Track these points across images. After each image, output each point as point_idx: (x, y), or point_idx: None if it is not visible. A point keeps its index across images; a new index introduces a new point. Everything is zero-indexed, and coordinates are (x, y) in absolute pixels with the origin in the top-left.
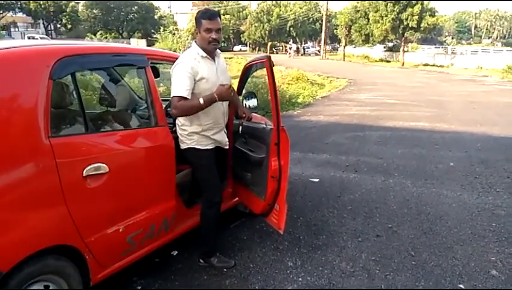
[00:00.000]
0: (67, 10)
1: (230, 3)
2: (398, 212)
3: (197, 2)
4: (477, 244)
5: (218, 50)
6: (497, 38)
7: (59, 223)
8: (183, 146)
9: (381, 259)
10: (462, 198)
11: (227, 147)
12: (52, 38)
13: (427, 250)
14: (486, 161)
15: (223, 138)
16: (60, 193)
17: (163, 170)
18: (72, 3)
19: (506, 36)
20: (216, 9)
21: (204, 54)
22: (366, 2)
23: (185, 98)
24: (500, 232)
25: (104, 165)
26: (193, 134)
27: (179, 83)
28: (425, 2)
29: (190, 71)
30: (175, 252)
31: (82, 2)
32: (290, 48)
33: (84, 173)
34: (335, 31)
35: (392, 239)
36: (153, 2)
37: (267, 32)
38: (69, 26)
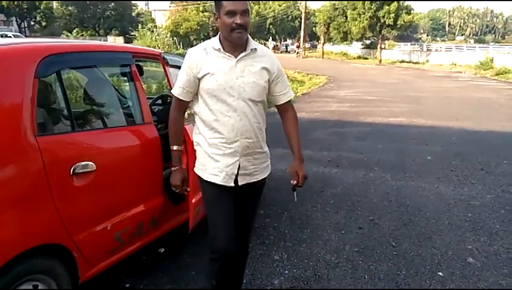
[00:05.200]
0: (42, 7)
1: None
2: (379, 205)
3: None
4: (455, 233)
5: (253, 42)
6: (470, 35)
7: (47, 222)
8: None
9: (364, 250)
10: (439, 190)
11: (257, 179)
12: (25, 36)
13: (407, 240)
14: (461, 154)
15: (247, 167)
16: (47, 191)
17: (150, 167)
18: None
19: (479, 33)
20: (195, 7)
21: (218, 46)
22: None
23: (178, 98)
24: (475, 221)
25: (91, 163)
26: (197, 145)
27: (177, 79)
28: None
29: (186, 66)
30: (162, 250)
31: None
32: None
33: (72, 171)
34: (314, 28)
35: (373, 231)
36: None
37: None
38: (44, 23)
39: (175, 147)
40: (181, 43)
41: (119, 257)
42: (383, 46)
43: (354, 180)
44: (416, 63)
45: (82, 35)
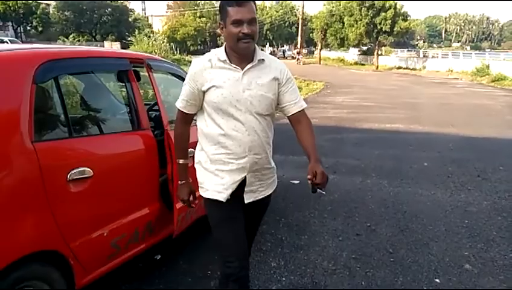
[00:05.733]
0: (38, 12)
1: (206, 6)
2: (376, 211)
3: (171, 3)
4: (451, 240)
5: (260, 52)
6: (466, 42)
7: (43, 228)
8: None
9: (361, 257)
10: (436, 196)
11: (263, 195)
12: (22, 41)
13: (404, 247)
14: (458, 161)
15: (253, 184)
16: (44, 197)
17: (147, 173)
18: (43, 5)
19: (475, 40)
20: (192, 12)
21: (224, 57)
22: (341, 6)
23: (182, 111)
24: (472, 228)
25: (88, 169)
26: (197, 163)
27: (182, 90)
28: (398, 6)
29: (190, 78)
30: (158, 256)
31: (53, 4)
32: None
33: (69, 177)
34: (311, 34)
35: (371, 237)
36: (127, 4)
37: None
38: (40, 28)
39: (181, 161)
40: (178, 49)
41: (115, 264)
42: (379, 52)
43: (351, 187)
44: (413, 69)
45: (78, 40)
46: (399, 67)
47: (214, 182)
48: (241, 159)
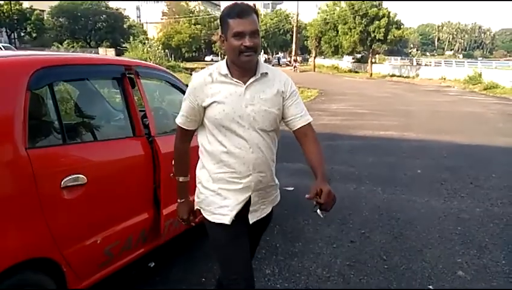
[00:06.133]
0: (32, 18)
1: (202, 13)
2: (370, 218)
3: (166, 10)
4: (445, 247)
5: (263, 65)
6: (458, 50)
7: (36, 235)
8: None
9: (355, 264)
10: (430, 203)
11: (266, 213)
12: (15, 47)
13: (398, 254)
14: (451, 168)
15: (257, 202)
16: (37, 204)
17: (141, 181)
18: (37, 11)
19: (467, 48)
20: (187, 19)
21: (225, 71)
22: (336, 14)
23: (182, 127)
24: (465, 235)
25: (82, 176)
26: (198, 183)
27: (182, 105)
28: (392, 15)
29: (190, 93)
30: (152, 264)
31: (48, 10)
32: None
33: (62, 184)
34: (305, 42)
35: (365, 244)
36: (122, 11)
37: None
38: (34, 34)
39: (181, 179)
40: (173, 55)
41: (108, 271)
42: (373, 60)
43: (345, 194)
44: (406, 77)
45: (73, 46)
46: (392, 75)
47: (218, 204)
48: (245, 178)
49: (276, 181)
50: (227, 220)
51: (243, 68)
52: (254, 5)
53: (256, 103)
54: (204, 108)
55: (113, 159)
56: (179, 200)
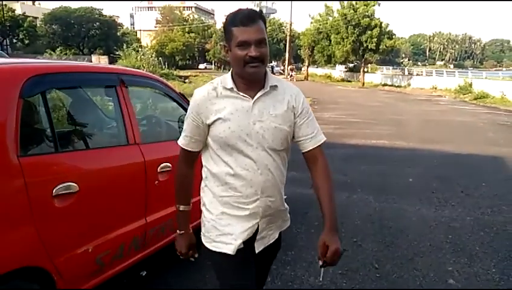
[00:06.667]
0: (25, 25)
1: (195, 21)
2: (362, 226)
3: (160, 18)
4: (436, 255)
5: (272, 77)
6: (449, 60)
7: (27, 244)
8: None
9: (347, 272)
10: (421, 212)
11: (274, 238)
12: (7, 53)
13: (389, 262)
14: (442, 177)
15: (265, 229)
16: (29, 213)
17: (134, 189)
18: (30, 18)
19: (458, 58)
20: (181, 28)
21: (231, 85)
22: (328, 24)
23: (185, 148)
24: (456, 243)
25: (74, 184)
26: (203, 205)
27: (184, 125)
28: (384, 25)
29: (193, 110)
30: (144, 273)
31: (41, 17)
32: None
33: (54, 193)
34: (298, 51)
35: (357, 253)
36: (116, 19)
37: None
38: (27, 41)
39: (181, 207)
40: (166, 63)
41: (100, 280)
42: (366, 69)
43: (337, 202)
44: (398, 86)
45: (66, 54)
46: (384, 84)
47: (220, 231)
48: (252, 203)
49: (286, 205)
50: (230, 250)
51: (250, 81)
52: (261, 10)
53: (266, 119)
54: (209, 126)
55: (105, 167)
56: (178, 232)
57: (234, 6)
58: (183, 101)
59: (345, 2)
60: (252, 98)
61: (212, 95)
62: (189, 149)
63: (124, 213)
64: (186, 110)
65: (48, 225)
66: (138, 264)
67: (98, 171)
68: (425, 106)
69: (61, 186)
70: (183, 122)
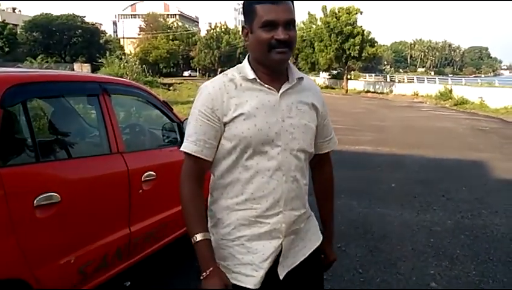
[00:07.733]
0: (5, 32)
1: (179, 29)
2: (346, 232)
3: (144, 26)
4: (418, 259)
5: (295, 69)
6: (430, 67)
7: (7, 255)
8: None
9: (332, 277)
10: (404, 217)
11: (304, 255)
12: None
13: (373, 267)
14: (423, 181)
15: (290, 249)
16: (9, 224)
17: (117, 199)
18: (10, 25)
19: (438, 65)
20: (165, 35)
21: (252, 75)
22: (312, 32)
23: (197, 157)
24: (437, 247)
25: (55, 194)
26: (213, 226)
27: (187, 129)
28: (366, 33)
29: (206, 107)
30: (128, 283)
31: (21, 25)
32: None
33: (35, 203)
34: None
35: (341, 258)
36: (99, 26)
37: (216, 58)
38: (6, 49)
39: (198, 237)
40: (150, 71)
41: None
42: (349, 76)
43: None
44: (380, 93)
45: (47, 61)
46: (367, 91)
47: (239, 260)
48: (272, 217)
49: (315, 220)
50: (252, 283)
51: (273, 70)
52: None
53: (295, 115)
54: (225, 124)
55: (88, 177)
56: (204, 274)
57: (217, 11)
58: (166, 109)
59: (328, 10)
60: (278, 90)
61: (230, 87)
62: (203, 157)
63: (107, 223)
64: (170, 118)
65: (29, 236)
66: (122, 274)
67: (80, 181)
68: (407, 112)
69: (42, 196)
70: (167, 130)
